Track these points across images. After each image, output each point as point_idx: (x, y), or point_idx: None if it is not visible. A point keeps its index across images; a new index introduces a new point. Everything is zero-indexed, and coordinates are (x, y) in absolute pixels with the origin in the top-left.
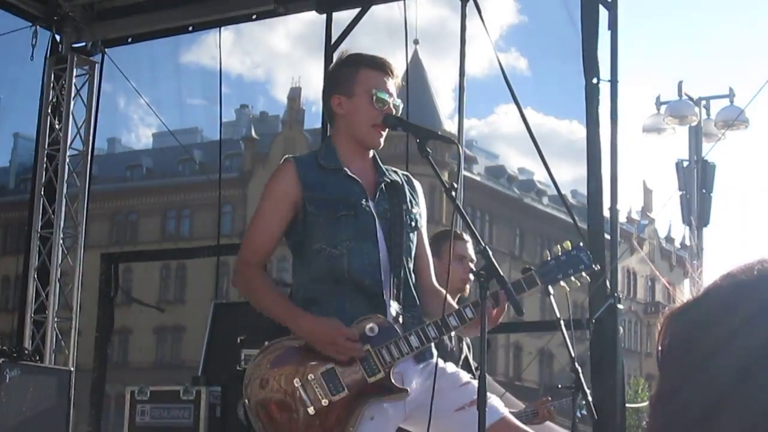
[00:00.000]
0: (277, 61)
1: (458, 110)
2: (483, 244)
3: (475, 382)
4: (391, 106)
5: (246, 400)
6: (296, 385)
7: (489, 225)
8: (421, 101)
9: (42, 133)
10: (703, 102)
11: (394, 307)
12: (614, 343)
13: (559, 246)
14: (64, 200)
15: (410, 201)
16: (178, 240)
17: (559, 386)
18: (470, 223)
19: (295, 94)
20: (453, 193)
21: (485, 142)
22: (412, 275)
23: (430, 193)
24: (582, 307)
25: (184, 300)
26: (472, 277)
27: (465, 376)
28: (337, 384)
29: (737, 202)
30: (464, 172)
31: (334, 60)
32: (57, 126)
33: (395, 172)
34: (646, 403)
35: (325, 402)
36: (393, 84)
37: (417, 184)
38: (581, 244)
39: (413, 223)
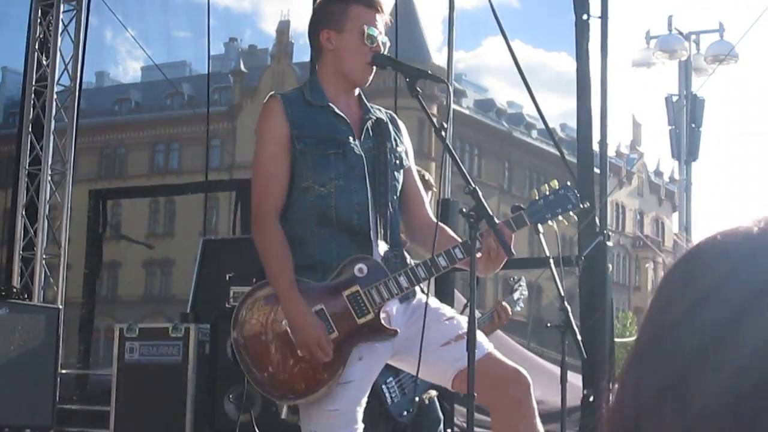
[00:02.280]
0: None
1: (447, 44)
2: (473, 185)
3: (459, 317)
4: (380, 43)
5: (234, 338)
6: (285, 325)
7: (478, 159)
8: (409, 34)
9: (29, 69)
10: (693, 36)
11: (381, 247)
12: (603, 281)
13: (546, 185)
14: (52, 137)
15: (395, 139)
16: (167, 174)
17: (548, 325)
18: (459, 163)
19: (284, 27)
20: (443, 133)
21: (474, 75)
22: (397, 214)
23: (419, 127)
24: (571, 242)
25: (174, 233)
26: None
27: (449, 311)
28: (326, 325)
29: (726, 137)
30: (453, 106)
31: None
32: (44, 62)
33: (379, 110)
34: (634, 338)
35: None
36: (382, 20)
37: (401, 122)
38: (568, 182)
39: (398, 162)
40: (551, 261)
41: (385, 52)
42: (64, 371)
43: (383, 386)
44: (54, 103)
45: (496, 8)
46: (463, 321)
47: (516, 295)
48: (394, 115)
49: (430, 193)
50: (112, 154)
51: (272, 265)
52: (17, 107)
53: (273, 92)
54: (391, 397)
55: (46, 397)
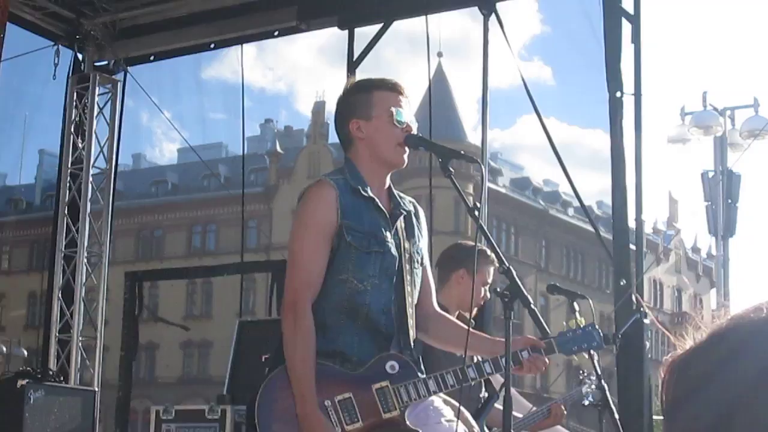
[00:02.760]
0: (300, 74)
1: (482, 125)
2: (507, 264)
3: (455, 425)
4: (409, 123)
5: (257, 420)
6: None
7: (514, 237)
8: (445, 114)
9: (65, 152)
10: (728, 112)
11: (394, 349)
12: (641, 359)
13: (574, 320)
14: (87, 219)
15: (417, 235)
16: (204, 255)
17: (586, 403)
18: (493, 243)
19: (319, 108)
20: (476, 213)
21: (509, 153)
22: (411, 316)
23: (455, 206)
24: (608, 318)
25: (211, 315)
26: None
27: (450, 414)
28: (352, 414)
29: (763, 213)
30: (489, 184)
31: (343, 90)
32: (80, 144)
33: (405, 200)
34: None
35: (338, 429)
36: (407, 102)
37: (421, 211)
38: (594, 322)
39: (420, 259)
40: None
41: (416, 132)
42: None
43: None
44: (90, 186)
45: (530, 86)
46: (461, 429)
47: (584, 389)
48: (417, 205)
49: (492, 267)
50: (149, 236)
51: (298, 355)
52: (54, 189)
53: (323, 177)
54: None
55: None
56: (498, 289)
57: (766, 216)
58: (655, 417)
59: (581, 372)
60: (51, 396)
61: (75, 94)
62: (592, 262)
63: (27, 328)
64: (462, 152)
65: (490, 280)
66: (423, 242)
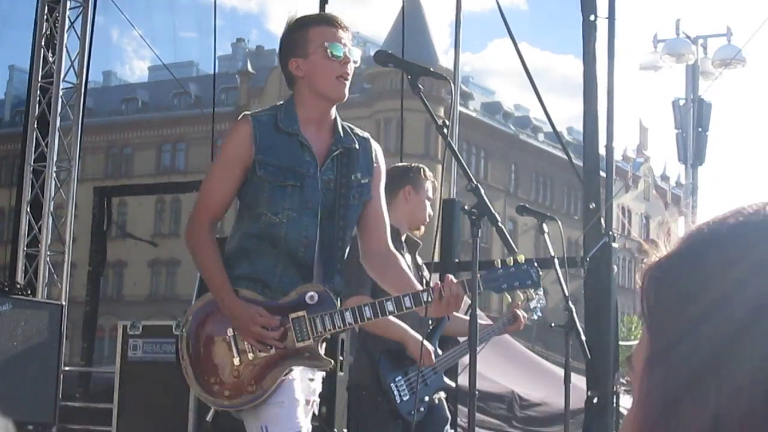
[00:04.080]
0: None
1: (454, 47)
2: (475, 182)
3: (315, 383)
4: (347, 55)
5: (181, 333)
6: (229, 333)
7: (484, 161)
8: (416, 37)
9: (35, 65)
10: (701, 40)
11: (317, 280)
12: (608, 282)
13: (513, 258)
14: (57, 133)
15: (361, 170)
16: (173, 174)
17: (552, 325)
18: (461, 160)
19: None
20: (445, 131)
21: (481, 78)
22: (345, 249)
23: (425, 129)
24: (577, 244)
25: (179, 233)
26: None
27: (300, 397)
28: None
29: (733, 141)
30: (460, 108)
31: (284, 27)
32: (50, 59)
33: (355, 135)
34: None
35: (251, 356)
36: (346, 35)
37: (374, 146)
38: (534, 262)
39: (359, 195)
40: (556, 262)
41: (356, 62)
42: (67, 368)
43: (392, 384)
44: (60, 100)
45: (503, 10)
46: (318, 386)
47: (533, 304)
48: (371, 140)
49: (430, 183)
50: (118, 153)
51: (206, 266)
52: (24, 106)
53: (246, 112)
54: (400, 396)
55: (49, 393)
56: (466, 207)
57: (736, 145)
58: (621, 342)
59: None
60: (18, 309)
61: (46, 7)
62: (561, 187)
63: None
64: (431, 69)
65: (431, 196)
66: (369, 178)
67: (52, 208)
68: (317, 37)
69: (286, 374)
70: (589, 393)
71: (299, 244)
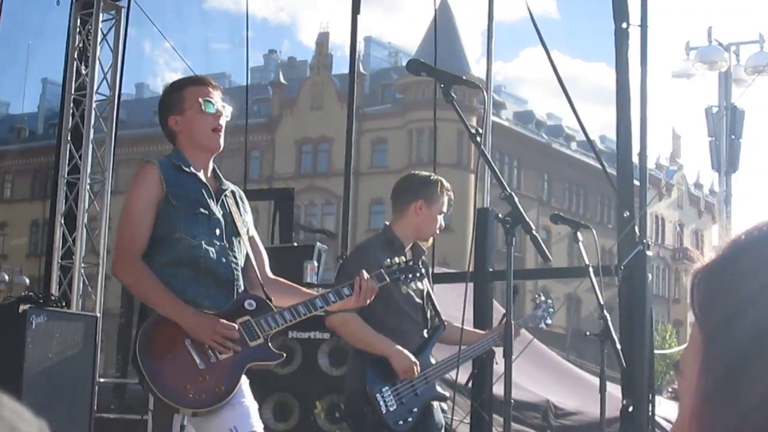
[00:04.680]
0: (302, 5)
1: (486, 55)
2: (508, 191)
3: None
4: (220, 108)
5: (139, 360)
6: (186, 343)
7: (517, 170)
8: (449, 45)
9: (68, 78)
10: (733, 47)
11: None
12: (643, 290)
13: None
14: (90, 145)
15: (243, 210)
16: None
17: (587, 333)
18: (495, 168)
19: (323, 39)
20: (478, 139)
21: (513, 86)
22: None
23: (458, 138)
24: (611, 253)
25: None
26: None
27: (249, 396)
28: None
29: (766, 148)
30: (492, 118)
31: (162, 92)
32: (83, 71)
33: (228, 184)
34: (673, 350)
35: (213, 360)
36: (216, 92)
37: (243, 195)
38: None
39: (247, 230)
40: (590, 270)
41: (227, 117)
42: (102, 380)
43: (377, 395)
44: (93, 112)
45: (535, 19)
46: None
47: (539, 312)
48: (238, 189)
49: (446, 197)
50: None
51: (152, 290)
52: (57, 118)
53: (149, 159)
54: (386, 406)
55: (84, 405)
56: (500, 215)
57: None
58: (656, 351)
59: (537, 296)
60: (53, 321)
61: (78, 20)
62: (594, 196)
63: (29, 257)
64: (464, 77)
65: (445, 210)
66: (248, 217)
67: (86, 220)
68: (191, 95)
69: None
70: (624, 401)
71: (218, 263)
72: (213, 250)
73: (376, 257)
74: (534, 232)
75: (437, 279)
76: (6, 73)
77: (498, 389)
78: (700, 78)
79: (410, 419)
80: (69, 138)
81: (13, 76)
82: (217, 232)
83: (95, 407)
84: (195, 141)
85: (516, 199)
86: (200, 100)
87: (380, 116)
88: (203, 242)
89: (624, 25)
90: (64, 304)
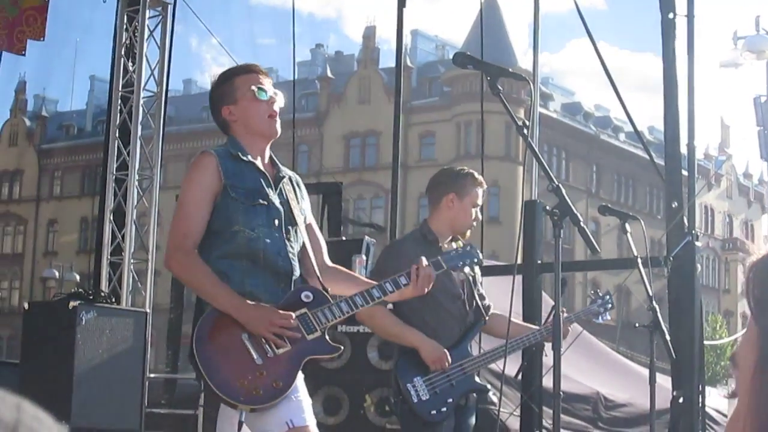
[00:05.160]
0: None
1: (533, 47)
2: (556, 182)
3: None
4: (273, 95)
5: (196, 357)
6: (243, 337)
7: (565, 162)
8: (495, 38)
9: (116, 75)
10: None
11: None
12: (692, 281)
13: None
14: (138, 142)
15: (300, 197)
16: None
17: (636, 325)
18: (542, 160)
19: (369, 33)
20: (525, 131)
21: (561, 78)
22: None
23: (506, 131)
24: (660, 244)
25: None
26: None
27: (303, 391)
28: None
29: None
30: (540, 109)
31: (211, 84)
32: (131, 68)
33: (287, 171)
34: (724, 340)
35: (270, 354)
36: (267, 80)
37: (301, 181)
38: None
39: (304, 217)
40: (639, 261)
41: (281, 104)
42: (152, 375)
43: (408, 385)
44: (141, 108)
45: (582, 10)
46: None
47: (595, 307)
48: (296, 175)
49: (481, 189)
50: None
51: (207, 283)
52: (105, 115)
53: (206, 149)
54: (418, 396)
55: (134, 400)
56: (548, 207)
57: None
58: (706, 342)
59: (593, 291)
60: (103, 317)
61: (125, 17)
62: (643, 187)
63: (79, 253)
64: (510, 69)
65: (479, 202)
66: (305, 204)
67: (135, 217)
68: (243, 84)
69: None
70: (674, 393)
71: (277, 255)
72: (271, 242)
73: (407, 253)
74: (582, 224)
75: (486, 272)
76: (54, 71)
77: (547, 381)
78: (748, 67)
79: (444, 409)
80: (117, 134)
81: (62, 73)
82: (276, 222)
83: (146, 402)
84: (251, 129)
85: (563, 191)
86: (253, 87)
87: (428, 109)
88: (262, 234)
89: (671, 16)
90: (113, 300)
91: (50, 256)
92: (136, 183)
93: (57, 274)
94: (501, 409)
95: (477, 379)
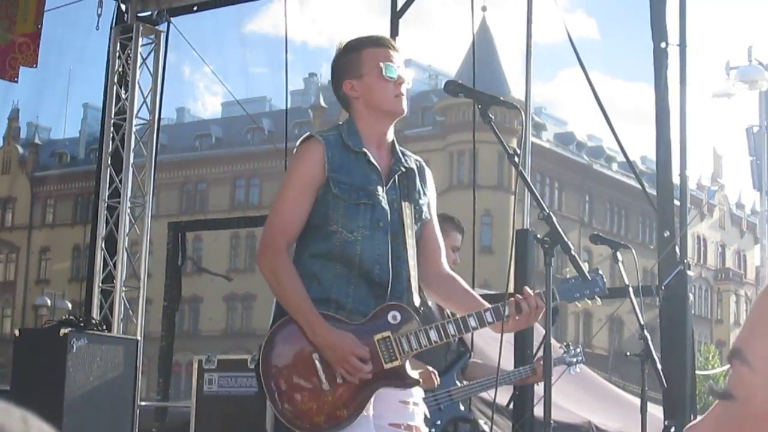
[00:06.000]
0: (342, 28)
1: (525, 75)
2: (547, 211)
3: (422, 406)
4: (402, 74)
5: (261, 363)
6: (315, 359)
7: (558, 192)
8: (488, 68)
9: (108, 102)
10: None
11: (390, 298)
12: (684, 310)
13: (585, 264)
14: (131, 169)
15: (419, 191)
16: (247, 208)
17: (628, 354)
18: (533, 188)
19: None
20: (516, 159)
21: (553, 108)
22: (411, 267)
23: (499, 161)
24: (651, 273)
25: (254, 268)
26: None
27: (419, 397)
28: None
29: None
30: (533, 139)
31: (335, 51)
32: (123, 95)
33: (410, 157)
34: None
35: (339, 380)
36: (398, 57)
37: (428, 171)
38: (598, 269)
39: (419, 215)
40: (631, 290)
41: (408, 85)
42: (143, 403)
43: None
44: (133, 136)
45: (574, 39)
46: (419, 413)
47: (570, 358)
48: (423, 164)
49: (459, 234)
50: (192, 189)
51: (290, 292)
52: (98, 143)
53: (313, 133)
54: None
55: (125, 428)
56: (539, 236)
57: None
58: (698, 372)
59: (566, 344)
60: (94, 344)
61: (118, 44)
62: (636, 217)
63: (71, 281)
64: (501, 98)
65: (457, 245)
66: (426, 199)
67: (126, 244)
68: (370, 58)
69: (373, 399)
70: (666, 422)
71: (374, 262)
72: (371, 247)
73: None
74: (573, 252)
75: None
76: (47, 99)
77: (539, 411)
78: (741, 97)
79: (433, 430)
80: (109, 162)
81: (54, 101)
82: (381, 224)
83: (137, 430)
84: (374, 107)
85: (554, 219)
86: (381, 64)
87: (421, 138)
88: (361, 237)
89: (663, 45)
90: (105, 327)
91: (42, 283)
92: (128, 211)
93: (49, 301)
94: None
95: (461, 407)
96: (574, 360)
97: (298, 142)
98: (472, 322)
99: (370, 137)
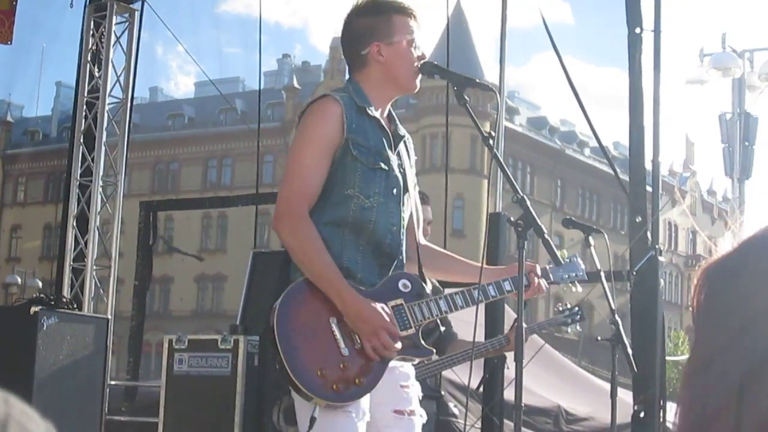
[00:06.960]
0: (314, 9)
1: (499, 60)
2: (521, 194)
3: (416, 386)
4: (423, 52)
5: (277, 328)
6: (332, 322)
7: (530, 176)
8: (462, 52)
9: (81, 81)
10: (747, 54)
11: (396, 269)
12: (655, 295)
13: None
14: (103, 148)
15: (411, 160)
16: (219, 189)
17: (599, 338)
18: (507, 171)
19: (337, 44)
20: (491, 142)
21: (527, 92)
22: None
23: (471, 144)
24: (623, 258)
25: (225, 249)
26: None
27: (413, 377)
28: None
29: None
30: (506, 123)
31: (355, 8)
32: (96, 74)
33: (400, 125)
34: (685, 356)
35: (357, 345)
36: (419, 29)
37: (411, 140)
38: (576, 255)
39: (414, 184)
40: (602, 275)
41: (425, 59)
42: (113, 382)
43: None
44: (106, 115)
45: (549, 24)
46: (415, 394)
47: (561, 318)
48: (408, 135)
49: (430, 208)
50: (164, 169)
51: (316, 259)
52: (70, 122)
53: (328, 92)
54: None
55: (95, 407)
56: (512, 219)
57: None
58: (668, 357)
59: (559, 304)
60: (64, 323)
61: (92, 22)
62: (608, 202)
63: (42, 260)
64: (477, 80)
65: (430, 217)
66: (414, 169)
67: (98, 223)
68: (402, 26)
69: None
70: (635, 407)
71: (387, 231)
72: (385, 214)
73: None
74: (546, 236)
75: (449, 284)
76: (20, 77)
77: (509, 394)
78: (714, 84)
79: None
80: (82, 141)
81: (27, 79)
82: (395, 191)
83: (106, 410)
84: (393, 75)
85: (528, 202)
86: (410, 36)
87: None
88: (376, 204)
89: (637, 30)
90: (75, 306)
91: (13, 262)
92: (100, 189)
93: (19, 280)
94: (462, 422)
95: (428, 383)
96: (569, 320)
97: (308, 103)
98: (477, 295)
99: (377, 103)
